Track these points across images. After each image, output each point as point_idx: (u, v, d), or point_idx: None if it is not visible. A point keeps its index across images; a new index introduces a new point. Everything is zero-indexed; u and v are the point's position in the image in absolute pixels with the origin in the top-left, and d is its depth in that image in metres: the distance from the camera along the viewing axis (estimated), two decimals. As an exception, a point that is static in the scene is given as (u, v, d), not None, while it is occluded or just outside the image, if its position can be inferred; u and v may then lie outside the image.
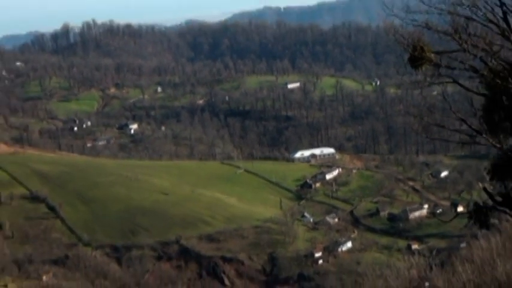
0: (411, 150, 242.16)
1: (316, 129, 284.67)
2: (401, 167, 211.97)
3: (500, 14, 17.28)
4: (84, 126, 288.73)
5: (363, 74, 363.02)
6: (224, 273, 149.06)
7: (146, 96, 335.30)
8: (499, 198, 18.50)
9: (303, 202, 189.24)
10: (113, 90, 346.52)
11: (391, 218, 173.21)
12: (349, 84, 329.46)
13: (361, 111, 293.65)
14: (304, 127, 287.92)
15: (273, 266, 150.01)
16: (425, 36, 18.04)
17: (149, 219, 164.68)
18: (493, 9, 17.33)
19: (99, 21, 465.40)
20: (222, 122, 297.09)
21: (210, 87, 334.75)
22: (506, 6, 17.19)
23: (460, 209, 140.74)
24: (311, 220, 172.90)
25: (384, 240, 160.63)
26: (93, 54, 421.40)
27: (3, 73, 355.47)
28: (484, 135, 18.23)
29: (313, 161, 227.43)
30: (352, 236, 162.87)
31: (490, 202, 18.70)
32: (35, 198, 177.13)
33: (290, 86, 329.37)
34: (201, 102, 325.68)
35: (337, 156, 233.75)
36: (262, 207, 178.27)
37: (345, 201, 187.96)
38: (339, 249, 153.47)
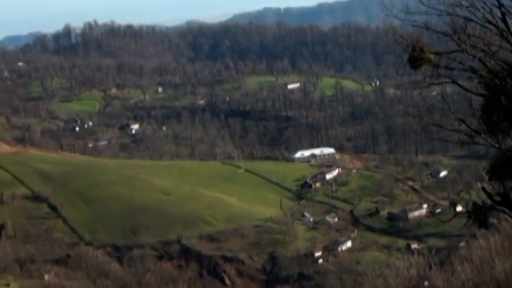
0: (410, 150, 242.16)
1: (316, 129, 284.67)
2: (401, 167, 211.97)
3: (499, 15, 17.28)
4: (86, 126, 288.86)
5: (363, 75, 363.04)
6: (225, 272, 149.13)
7: (147, 97, 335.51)
8: (497, 198, 18.50)
9: (303, 202, 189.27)
10: (114, 90, 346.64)
11: (391, 217, 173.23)
12: (348, 84, 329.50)
13: (360, 112, 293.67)
14: (304, 127, 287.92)
15: (273, 265, 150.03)
16: (424, 36, 18.05)
17: (150, 218, 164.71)
18: (491, 10, 17.34)
19: (101, 21, 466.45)
20: (223, 122, 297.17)
21: (210, 88, 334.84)
22: (504, 7, 17.20)
23: (459, 208, 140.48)
24: (311, 220, 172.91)
25: (384, 239, 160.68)
26: (95, 54, 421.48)
27: (6, 73, 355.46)
28: (482, 135, 18.23)
29: (313, 161, 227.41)
30: (352, 235, 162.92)
31: (488, 202, 18.70)
32: (37, 198, 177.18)
33: (290, 86, 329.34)
34: (201, 102, 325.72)
35: (337, 156, 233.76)
36: (263, 207, 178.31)
37: (344, 201, 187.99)
38: (339, 249, 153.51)
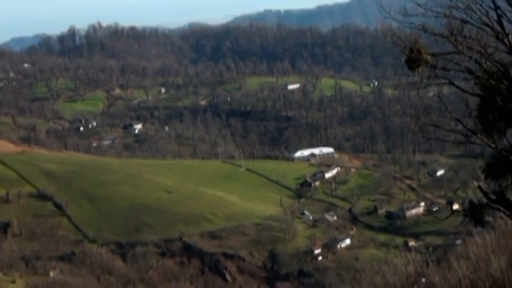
0: (408, 149, 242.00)
1: (315, 129, 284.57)
2: (399, 166, 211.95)
3: (495, 17, 17.27)
4: (90, 126, 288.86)
5: (361, 76, 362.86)
6: (226, 269, 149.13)
7: (150, 97, 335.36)
8: (493, 197, 18.49)
9: (302, 200, 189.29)
10: (117, 91, 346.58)
11: (389, 215, 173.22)
12: (347, 85, 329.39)
13: (359, 112, 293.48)
14: (304, 127, 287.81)
15: (274, 262, 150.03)
16: (421, 38, 18.04)
17: (153, 216, 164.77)
18: (487, 12, 17.33)
19: (105, 24, 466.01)
20: (224, 122, 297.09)
21: (212, 88, 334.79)
22: (500, 10, 17.19)
23: (455, 207, 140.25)
24: (311, 218, 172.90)
25: (382, 237, 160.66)
26: (99, 56, 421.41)
27: (11, 74, 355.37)
28: (478, 135, 18.22)
29: (312, 160, 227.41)
30: (351, 233, 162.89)
31: (484, 200, 18.68)
32: (42, 197, 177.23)
33: (290, 87, 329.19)
34: (203, 102, 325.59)
35: (336, 156, 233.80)
36: (263, 205, 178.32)
37: (343, 199, 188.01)
38: (338, 246, 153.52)
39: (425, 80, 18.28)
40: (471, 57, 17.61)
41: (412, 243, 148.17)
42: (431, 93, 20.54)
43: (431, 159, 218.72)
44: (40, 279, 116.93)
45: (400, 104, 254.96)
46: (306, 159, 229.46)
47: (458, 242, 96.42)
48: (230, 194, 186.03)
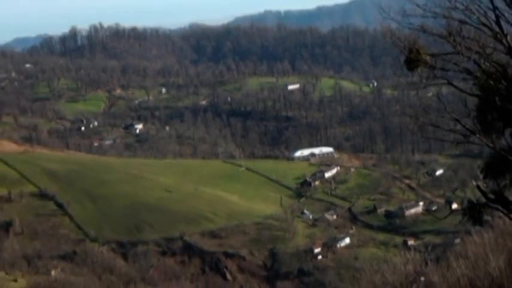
0: (407, 149, 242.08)
1: (315, 129, 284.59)
2: (398, 165, 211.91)
3: (493, 17, 17.28)
4: (91, 126, 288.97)
5: (361, 76, 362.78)
6: (226, 268, 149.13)
7: (151, 97, 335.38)
8: (491, 196, 18.51)
9: (302, 199, 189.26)
10: (118, 91, 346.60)
11: (388, 215, 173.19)
12: (347, 85, 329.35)
13: (358, 112, 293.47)
14: (303, 127, 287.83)
15: (274, 261, 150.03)
16: (420, 39, 18.05)
17: (154, 216, 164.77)
18: (486, 13, 17.34)
19: (106, 24, 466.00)
20: (224, 122, 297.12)
21: (212, 89, 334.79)
22: (499, 10, 17.20)
23: (454, 206, 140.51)
24: (310, 217, 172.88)
25: (381, 236, 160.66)
26: (100, 56, 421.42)
27: (13, 75, 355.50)
28: (477, 135, 18.23)
29: (312, 160, 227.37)
30: (350, 232, 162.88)
31: (483, 199, 18.70)
32: (43, 196, 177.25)
33: (290, 87, 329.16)
34: (204, 103, 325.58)
35: (336, 155, 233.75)
36: (263, 205, 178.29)
37: (343, 198, 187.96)
38: (338, 245, 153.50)
39: (424, 80, 18.29)
40: (470, 58, 17.62)
41: (411, 242, 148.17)
42: (430, 94, 20.56)
43: (430, 159, 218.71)
44: (42, 278, 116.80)
45: (399, 104, 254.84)
46: (306, 159, 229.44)
47: (457, 241, 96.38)
48: (230, 193, 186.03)
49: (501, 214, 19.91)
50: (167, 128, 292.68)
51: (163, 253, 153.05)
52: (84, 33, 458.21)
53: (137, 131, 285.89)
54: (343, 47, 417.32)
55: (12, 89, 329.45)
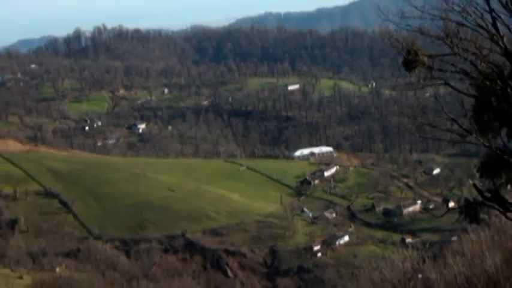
0: (405, 148, 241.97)
1: (315, 128, 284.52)
2: (396, 164, 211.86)
3: (490, 19, 17.29)
4: (95, 126, 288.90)
5: (360, 77, 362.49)
6: (227, 265, 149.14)
7: (153, 98, 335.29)
8: (488, 195, 18.52)
9: (302, 198, 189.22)
10: (122, 91, 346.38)
11: (386, 213, 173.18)
12: (346, 86, 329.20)
13: (357, 112, 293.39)
14: (303, 127, 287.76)
15: (274, 258, 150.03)
16: (418, 40, 18.07)
17: (156, 214, 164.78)
18: (482, 15, 17.35)
19: (109, 26, 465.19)
20: (226, 122, 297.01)
21: (214, 89, 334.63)
22: (495, 12, 17.21)
23: (451, 204, 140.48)
24: (310, 215, 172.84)
25: (379, 234, 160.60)
26: (104, 57, 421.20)
27: (19, 75, 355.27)
28: (474, 135, 18.24)
29: (312, 159, 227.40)
30: (349, 230, 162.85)
31: (479, 198, 18.71)
32: (48, 194, 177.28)
33: (290, 87, 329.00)
34: (205, 103, 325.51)
35: (335, 155, 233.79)
36: (264, 203, 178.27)
37: (342, 197, 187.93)
38: (337, 243, 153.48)
39: (421, 81, 18.31)
40: (466, 59, 17.64)
41: (409, 240, 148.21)
42: (427, 94, 20.60)
43: (427, 158, 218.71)
44: (46, 275, 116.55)
45: (397, 104, 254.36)
46: (306, 158, 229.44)
47: (454, 238, 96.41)
48: (232, 192, 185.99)
49: (497, 212, 19.92)
50: (169, 127, 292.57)
51: (166, 250, 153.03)
52: (88, 35, 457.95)
53: (140, 130, 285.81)
54: (342, 49, 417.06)
55: (17, 90, 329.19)
